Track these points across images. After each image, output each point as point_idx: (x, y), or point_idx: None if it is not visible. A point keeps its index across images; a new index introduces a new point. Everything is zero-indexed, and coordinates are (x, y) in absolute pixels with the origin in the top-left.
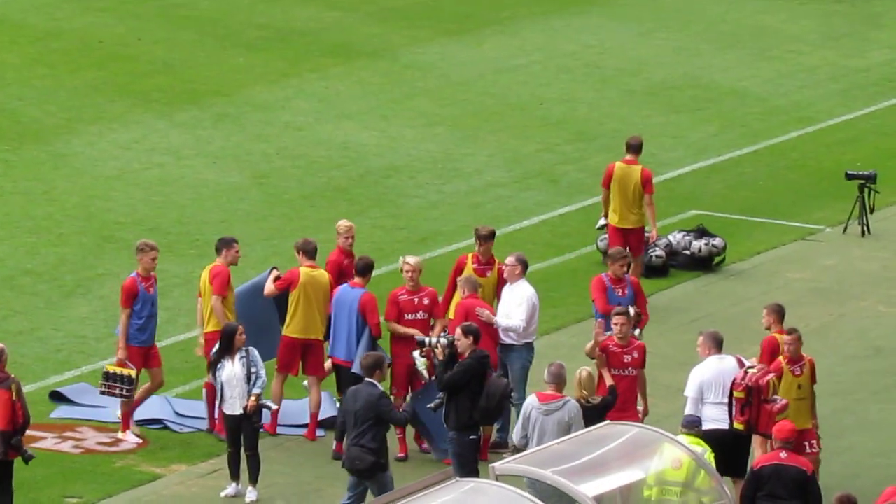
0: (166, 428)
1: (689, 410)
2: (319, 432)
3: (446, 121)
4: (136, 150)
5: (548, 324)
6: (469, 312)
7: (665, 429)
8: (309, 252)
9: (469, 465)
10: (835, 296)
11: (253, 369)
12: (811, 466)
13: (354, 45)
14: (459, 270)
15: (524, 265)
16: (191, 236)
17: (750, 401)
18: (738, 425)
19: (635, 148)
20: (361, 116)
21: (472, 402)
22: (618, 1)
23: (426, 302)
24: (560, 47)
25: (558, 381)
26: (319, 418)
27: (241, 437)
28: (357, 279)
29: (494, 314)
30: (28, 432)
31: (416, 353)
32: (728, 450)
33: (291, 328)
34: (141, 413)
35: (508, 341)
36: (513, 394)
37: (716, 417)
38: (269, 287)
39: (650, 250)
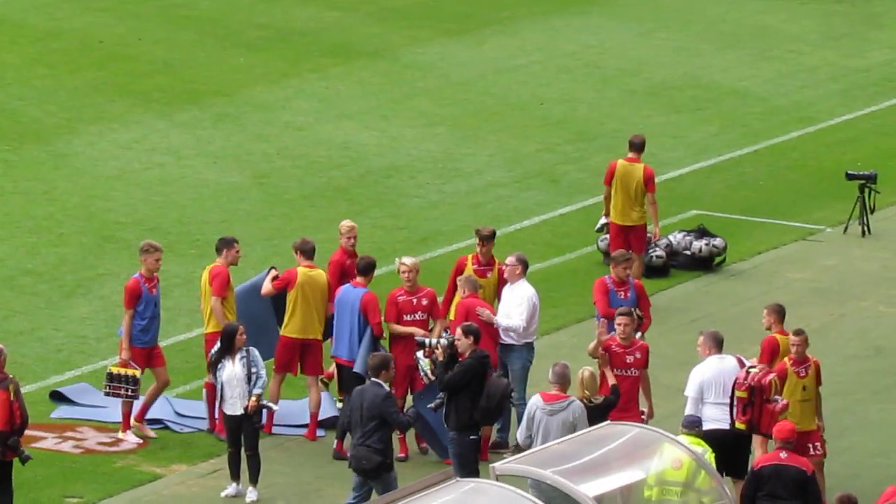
0: (167, 428)
1: (689, 410)
2: (319, 432)
3: (446, 121)
4: (136, 150)
5: (548, 324)
6: (469, 312)
7: (665, 429)
8: (307, 252)
9: (469, 465)
10: (835, 296)
11: (253, 369)
12: (811, 466)
13: (354, 45)
14: (459, 271)
15: (524, 265)
16: (191, 236)
17: (753, 400)
18: (740, 425)
19: (638, 146)
20: (362, 116)
21: (473, 403)
22: (618, 1)
23: (425, 302)
24: (560, 47)
25: (563, 381)
26: (319, 418)
27: (242, 437)
28: (359, 279)
29: (495, 314)
30: (28, 432)
31: (419, 354)
32: (728, 450)
33: (289, 328)
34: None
35: (509, 341)
36: (513, 394)
37: (716, 417)
38: (267, 286)
39: (651, 250)
